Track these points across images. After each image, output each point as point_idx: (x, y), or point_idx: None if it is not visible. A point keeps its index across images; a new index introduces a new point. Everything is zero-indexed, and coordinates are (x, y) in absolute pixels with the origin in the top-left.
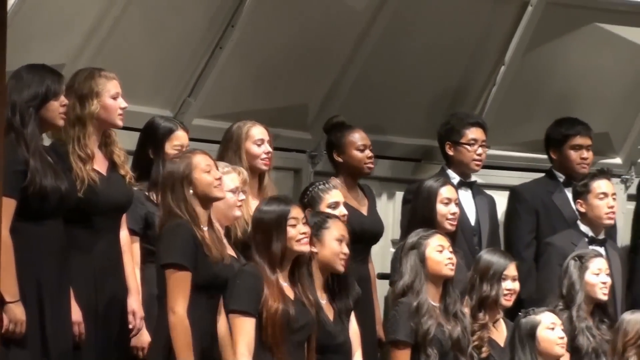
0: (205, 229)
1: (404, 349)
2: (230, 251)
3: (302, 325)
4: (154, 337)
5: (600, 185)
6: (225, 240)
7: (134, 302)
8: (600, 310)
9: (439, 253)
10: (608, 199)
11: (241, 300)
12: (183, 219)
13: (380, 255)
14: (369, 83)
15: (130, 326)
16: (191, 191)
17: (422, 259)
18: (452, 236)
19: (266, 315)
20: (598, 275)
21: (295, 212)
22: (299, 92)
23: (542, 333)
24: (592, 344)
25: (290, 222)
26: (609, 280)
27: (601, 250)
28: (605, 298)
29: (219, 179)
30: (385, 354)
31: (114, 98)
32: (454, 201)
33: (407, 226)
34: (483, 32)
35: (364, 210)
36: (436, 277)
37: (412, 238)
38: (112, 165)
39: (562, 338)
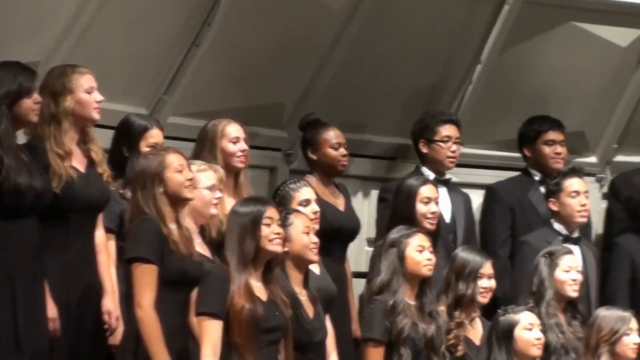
0: (173, 226)
1: (378, 347)
2: (205, 250)
3: (274, 326)
4: (124, 333)
5: (572, 183)
6: (199, 239)
7: (109, 302)
8: (572, 306)
9: (419, 253)
10: (580, 197)
11: (208, 303)
12: (150, 215)
13: (355, 254)
14: (345, 81)
15: (106, 326)
16: (161, 189)
17: (402, 258)
18: (433, 235)
19: (232, 313)
20: (568, 273)
21: (271, 212)
22: (274, 90)
23: (519, 333)
24: (560, 340)
25: (265, 221)
26: (579, 277)
27: (576, 248)
28: (575, 295)
29: (191, 179)
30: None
31: (89, 92)
32: (434, 200)
33: (387, 225)
34: (459, 31)
35: (341, 207)
36: (414, 277)
37: (394, 235)
38: (91, 163)
39: (539, 339)
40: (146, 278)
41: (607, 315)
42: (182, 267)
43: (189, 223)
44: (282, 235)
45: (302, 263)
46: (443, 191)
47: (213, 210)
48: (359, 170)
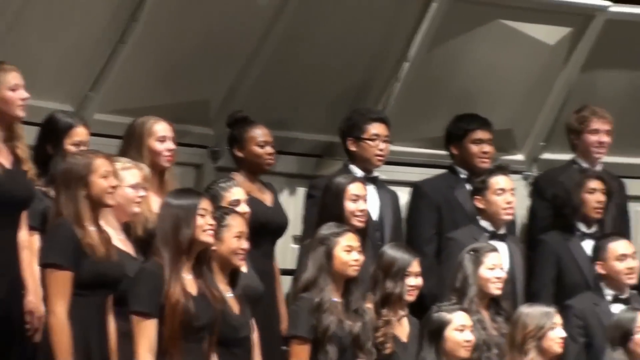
0: (91, 229)
1: (304, 344)
2: (128, 248)
3: (205, 323)
4: (42, 336)
5: (498, 181)
6: (122, 236)
7: (31, 301)
8: (495, 303)
9: (347, 253)
10: (506, 194)
11: (142, 302)
12: (66, 218)
13: (282, 251)
14: (273, 79)
15: (28, 326)
16: (84, 192)
17: (329, 257)
18: (361, 233)
19: (167, 306)
20: (492, 270)
21: (205, 203)
22: (202, 88)
23: (449, 333)
24: (482, 337)
25: (200, 212)
26: (503, 275)
27: (502, 245)
28: (498, 293)
29: (114, 187)
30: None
31: (13, 90)
32: (362, 198)
33: (315, 222)
34: (387, 28)
35: (268, 203)
36: (340, 276)
37: (323, 232)
38: (16, 160)
39: (468, 341)
40: (60, 285)
41: (531, 311)
42: (99, 270)
43: (110, 221)
44: (214, 227)
45: (227, 265)
46: (371, 189)
47: (136, 209)
48: (286, 167)
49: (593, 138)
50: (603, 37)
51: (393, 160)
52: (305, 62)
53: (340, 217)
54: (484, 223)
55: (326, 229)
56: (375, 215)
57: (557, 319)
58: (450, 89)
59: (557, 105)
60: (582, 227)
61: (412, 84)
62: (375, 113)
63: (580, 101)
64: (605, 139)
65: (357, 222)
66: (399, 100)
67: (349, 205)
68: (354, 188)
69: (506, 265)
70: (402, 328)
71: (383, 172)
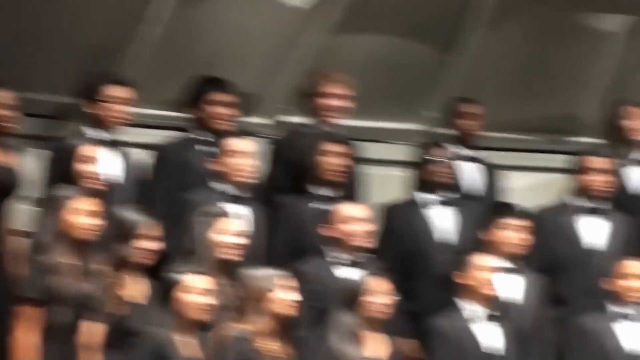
0: None
1: (34, 306)
2: None
3: None
4: None
5: (237, 144)
6: None
7: None
8: (227, 267)
9: (78, 216)
10: (244, 157)
11: None
12: None
13: (18, 212)
14: (12, 38)
15: None
16: None
17: (60, 219)
18: (95, 195)
19: None
20: (223, 234)
21: None
22: None
23: (179, 295)
24: (214, 300)
25: None
26: (234, 240)
27: (244, 208)
28: (228, 257)
29: None
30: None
31: None
32: (93, 160)
33: (49, 184)
34: None
35: (5, 164)
36: (71, 238)
37: (54, 195)
38: None
39: (198, 303)
40: None
41: (252, 274)
42: None
43: None
44: None
45: None
46: (108, 151)
47: None
48: (24, 129)
49: (327, 102)
50: (353, 0)
51: (140, 123)
52: (45, 21)
53: (71, 179)
54: (224, 186)
55: (57, 192)
56: (111, 178)
57: (282, 281)
58: (194, 51)
59: (302, 69)
60: (316, 190)
61: (158, 47)
62: (112, 75)
63: (327, 65)
64: (340, 103)
65: (89, 184)
66: (142, 62)
67: (81, 167)
68: (84, 150)
69: (250, 229)
70: (137, 291)
71: (125, 135)
